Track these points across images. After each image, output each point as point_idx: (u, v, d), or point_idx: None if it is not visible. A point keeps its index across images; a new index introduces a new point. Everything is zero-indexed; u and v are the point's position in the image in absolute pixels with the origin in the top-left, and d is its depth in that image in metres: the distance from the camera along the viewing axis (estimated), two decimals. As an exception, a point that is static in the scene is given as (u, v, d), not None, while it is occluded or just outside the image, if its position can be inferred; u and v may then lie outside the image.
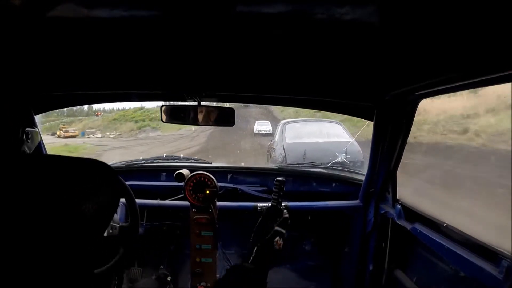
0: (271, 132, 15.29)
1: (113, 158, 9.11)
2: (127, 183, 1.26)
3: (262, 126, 16.14)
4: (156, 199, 1.66)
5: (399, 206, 1.40)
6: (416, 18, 0.68)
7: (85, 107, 22.49)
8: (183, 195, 1.55)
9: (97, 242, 0.63)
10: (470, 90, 1.11)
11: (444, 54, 0.85)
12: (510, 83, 0.82)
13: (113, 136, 18.42)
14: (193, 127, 15.67)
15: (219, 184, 1.55)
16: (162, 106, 1.44)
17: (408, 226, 1.30)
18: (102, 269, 1.14)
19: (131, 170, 1.85)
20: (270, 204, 1.49)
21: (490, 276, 0.87)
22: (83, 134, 18.20)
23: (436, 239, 1.13)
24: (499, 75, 0.80)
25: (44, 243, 0.50)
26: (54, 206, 0.51)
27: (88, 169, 0.60)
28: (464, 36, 0.73)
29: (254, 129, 16.43)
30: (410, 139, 1.39)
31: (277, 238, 1.04)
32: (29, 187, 0.51)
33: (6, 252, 0.47)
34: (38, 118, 1.51)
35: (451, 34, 0.73)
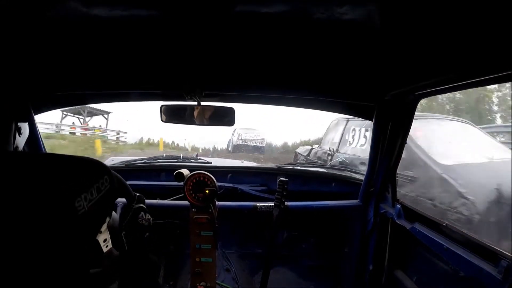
0: (263, 144, 10.51)
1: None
2: (127, 183, 1.26)
3: (248, 134, 10.51)
4: (156, 199, 1.66)
5: (398, 206, 1.40)
6: (416, 18, 0.68)
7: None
8: (182, 195, 1.55)
9: (91, 240, 0.63)
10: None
11: (444, 54, 0.85)
12: (510, 83, 0.82)
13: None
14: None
15: (219, 183, 1.55)
16: (162, 106, 1.44)
17: (407, 225, 1.30)
18: (100, 269, 1.13)
19: (131, 170, 1.85)
20: (273, 204, 1.50)
21: (489, 276, 0.87)
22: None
23: (435, 239, 1.13)
24: (498, 75, 0.80)
25: (36, 240, 0.50)
26: (47, 202, 0.51)
27: (82, 167, 0.61)
28: (464, 36, 0.73)
29: (233, 139, 10.57)
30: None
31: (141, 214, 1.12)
32: (22, 184, 0.51)
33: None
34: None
35: (451, 34, 0.73)
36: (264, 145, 10.67)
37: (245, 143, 10.41)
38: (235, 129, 10.83)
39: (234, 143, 10.50)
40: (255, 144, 10.40)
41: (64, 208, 0.52)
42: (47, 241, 0.50)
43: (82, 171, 0.59)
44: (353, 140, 4.09)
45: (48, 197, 0.51)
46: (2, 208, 0.47)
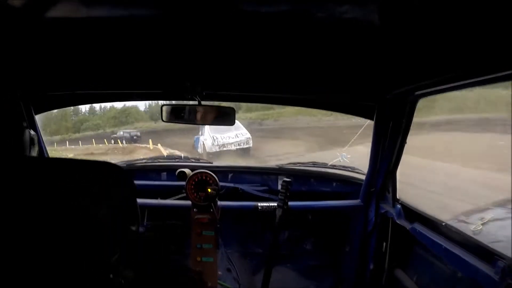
0: (250, 144, 7.86)
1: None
2: None
3: (226, 134, 7.65)
4: (157, 199, 1.66)
5: (399, 206, 1.39)
6: (417, 18, 0.68)
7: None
8: (184, 194, 1.55)
9: (112, 245, 0.62)
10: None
11: (444, 53, 0.85)
12: (510, 83, 0.82)
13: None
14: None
15: (220, 183, 1.55)
16: (163, 105, 1.45)
17: (407, 226, 1.30)
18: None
19: (132, 170, 1.85)
20: (276, 204, 1.50)
21: (487, 276, 0.87)
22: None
23: (434, 239, 1.13)
24: (499, 75, 0.80)
25: (58, 244, 0.50)
26: (68, 207, 0.51)
27: (103, 172, 0.61)
28: (464, 36, 0.73)
29: (205, 144, 7.92)
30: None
31: None
32: (44, 189, 0.51)
33: (19, 255, 0.47)
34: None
35: (451, 34, 0.73)
36: (251, 145, 7.98)
37: (225, 149, 7.56)
38: (202, 128, 7.98)
39: (208, 150, 7.71)
40: (239, 147, 7.67)
41: (85, 213, 0.52)
42: (68, 245, 0.50)
43: (103, 176, 0.59)
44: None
45: (70, 202, 0.51)
46: (26, 213, 0.48)
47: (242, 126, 7.94)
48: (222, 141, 7.81)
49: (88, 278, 0.54)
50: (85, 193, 0.54)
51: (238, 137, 7.89)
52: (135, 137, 14.61)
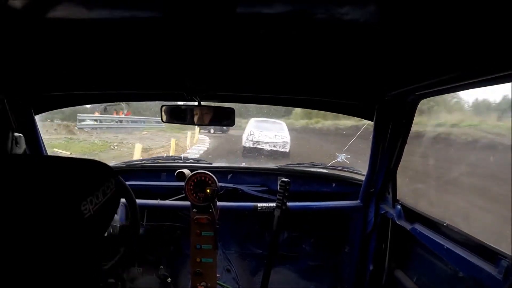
0: (287, 149, 7.54)
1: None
2: (128, 183, 1.26)
3: (264, 133, 7.50)
4: (156, 199, 1.66)
5: (399, 206, 1.40)
6: (416, 18, 0.68)
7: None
8: (183, 195, 1.55)
9: (97, 243, 0.62)
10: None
11: (444, 54, 0.85)
12: (510, 83, 0.82)
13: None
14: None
15: (219, 184, 1.55)
16: (162, 106, 1.45)
17: (408, 226, 1.30)
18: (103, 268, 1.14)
19: (132, 170, 1.85)
20: (274, 205, 1.50)
21: (490, 276, 0.87)
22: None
23: (435, 240, 1.13)
24: (499, 75, 0.80)
25: (41, 244, 0.49)
26: (52, 206, 0.51)
27: (88, 169, 0.60)
28: (464, 36, 0.73)
29: (247, 139, 7.72)
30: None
31: None
32: (27, 188, 0.50)
33: (6, 252, 0.47)
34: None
35: (451, 34, 0.73)
36: (287, 150, 7.50)
37: (258, 146, 7.35)
38: (250, 121, 8.06)
39: (243, 144, 7.73)
40: (273, 149, 7.30)
41: (70, 212, 0.52)
42: (52, 245, 0.50)
43: (88, 173, 0.59)
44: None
45: (54, 201, 0.51)
46: (6, 212, 0.47)
47: (285, 129, 7.89)
48: (258, 138, 7.66)
49: (78, 278, 0.54)
50: (70, 191, 0.54)
51: (276, 138, 7.70)
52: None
